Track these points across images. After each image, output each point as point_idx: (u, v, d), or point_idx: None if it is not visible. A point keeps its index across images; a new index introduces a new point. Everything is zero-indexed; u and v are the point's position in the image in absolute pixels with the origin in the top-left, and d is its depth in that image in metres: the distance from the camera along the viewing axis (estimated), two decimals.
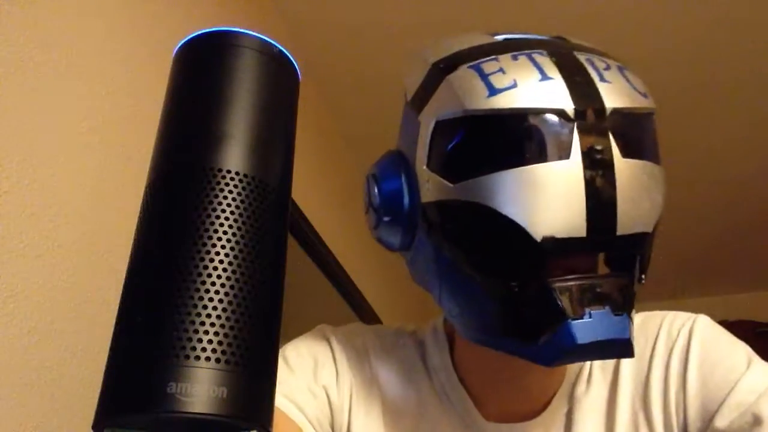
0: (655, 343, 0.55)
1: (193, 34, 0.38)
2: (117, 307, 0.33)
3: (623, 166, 0.44)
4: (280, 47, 0.39)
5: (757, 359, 0.52)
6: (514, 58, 0.47)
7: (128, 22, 1.05)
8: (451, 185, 0.47)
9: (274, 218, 0.35)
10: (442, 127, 0.49)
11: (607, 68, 0.47)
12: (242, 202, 0.33)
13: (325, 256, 1.81)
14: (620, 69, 0.48)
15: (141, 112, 1.03)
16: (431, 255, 0.50)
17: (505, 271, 0.46)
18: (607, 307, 0.43)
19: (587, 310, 0.43)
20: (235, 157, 0.34)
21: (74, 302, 0.84)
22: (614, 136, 0.44)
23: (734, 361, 0.51)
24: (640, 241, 0.45)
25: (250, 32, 0.38)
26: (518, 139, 0.46)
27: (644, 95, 0.47)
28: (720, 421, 0.48)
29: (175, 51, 0.39)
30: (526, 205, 0.44)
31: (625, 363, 0.55)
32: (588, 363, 0.57)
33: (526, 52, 0.47)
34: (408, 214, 0.51)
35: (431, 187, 0.49)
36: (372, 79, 1.86)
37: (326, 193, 1.94)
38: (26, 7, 0.82)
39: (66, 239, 0.83)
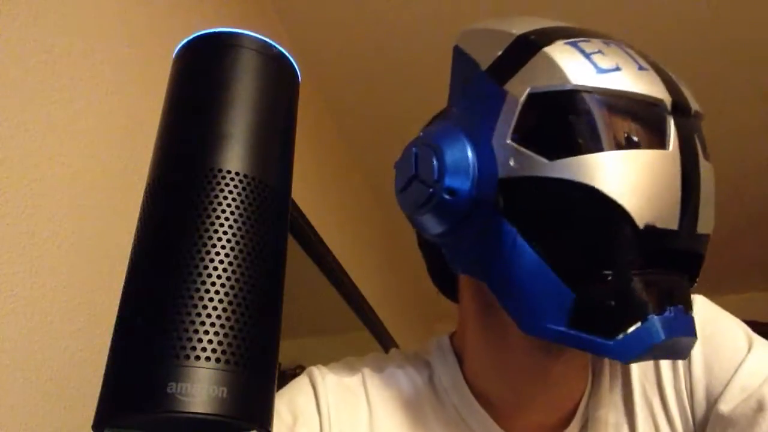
0: None
1: (194, 35, 0.38)
2: (117, 307, 0.33)
3: (704, 167, 0.44)
4: (280, 48, 0.39)
5: (756, 339, 0.51)
6: (606, 43, 0.46)
7: (128, 23, 1.05)
8: (546, 161, 0.44)
9: (274, 218, 0.35)
10: (538, 100, 0.45)
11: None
12: (242, 202, 0.33)
13: (325, 256, 1.81)
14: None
15: (141, 113, 1.03)
16: (500, 236, 0.46)
17: (597, 258, 0.43)
18: (681, 306, 0.43)
19: (669, 307, 0.42)
20: (235, 157, 0.34)
21: (74, 302, 0.84)
22: (698, 137, 0.45)
23: (736, 343, 0.51)
24: (706, 243, 0.46)
25: (250, 33, 0.38)
26: (627, 121, 0.45)
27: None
28: (724, 405, 0.48)
29: (175, 52, 0.39)
30: (634, 188, 0.42)
31: None
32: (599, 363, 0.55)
33: (609, 39, 0.47)
34: (473, 190, 0.47)
35: (518, 162, 0.45)
36: (372, 79, 1.86)
37: (326, 193, 1.94)
38: (26, 7, 0.82)
39: (66, 239, 0.83)
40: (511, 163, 0.45)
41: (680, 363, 0.51)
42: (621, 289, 0.42)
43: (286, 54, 0.40)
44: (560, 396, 0.53)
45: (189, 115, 0.36)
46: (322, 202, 1.87)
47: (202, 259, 0.31)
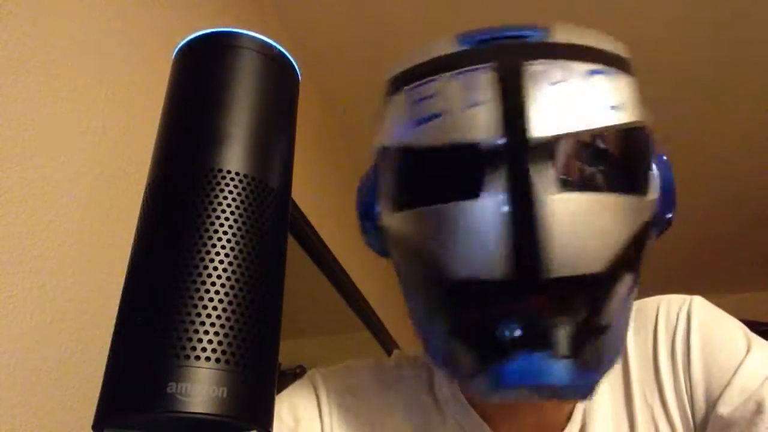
0: (655, 330, 0.54)
1: (193, 35, 0.38)
2: (117, 307, 0.33)
3: (555, 202, 0.39)
4: (280, 48, 0.39)
5: (755, 339, 0.51)
6: (454, 77, 0.43)
7: (127, 23, 1.05)
8: (391, 213, 0.47)
9: (274, 218, 0.35)
10: (381, 154, 0.48)
11: (563, 80, 0.42)
12: (242, 202, 0.33)
13: (325, 256, 1.81)
14: (587, 77, 0.42)
15: (141, 113, 1.03)
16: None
17: (436, 308, 0.45)
18: (545, 351, 0.40)
19: (517, 352, 0.41)
20: (235, 157, 0.34)
21: (74, 302, 0.84)
22: (544, 169, 0.40)
23: (734, 344, 0.50)
24: (585, 284, 0.41)
25: (250, 33, 0.38)
26: (437, 175, 0.45)
27: (616, 107, 0.42)
28: (723, 408, 0.47)
29: (175, 52, 0.39)
30: (445, 244, 0.42)
31: (632, 356, 0.54)
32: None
33: (470, 69, 0.43)
34: (377, 230, 0.50)
35: (381, 210, 0.49)
36: (372, 79, 1.86)
37: (326, 194, 1.94)
38: (27, 8, 0.82)
39: (66, 239, 0.83)
40: (378, 210, 0.49)
41: (680, 365, 0.51)
42: (465, 336, 0.44)
43: (286, 54, 0.40)
44: (548, 405, 0.53)
45: (189, 115, 0.36)
46: (322, 202, 1.87)
47: (202, 259, 0.31)
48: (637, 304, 0.57)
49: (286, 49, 0.40)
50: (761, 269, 2.97)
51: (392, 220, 0.47)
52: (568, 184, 0.41)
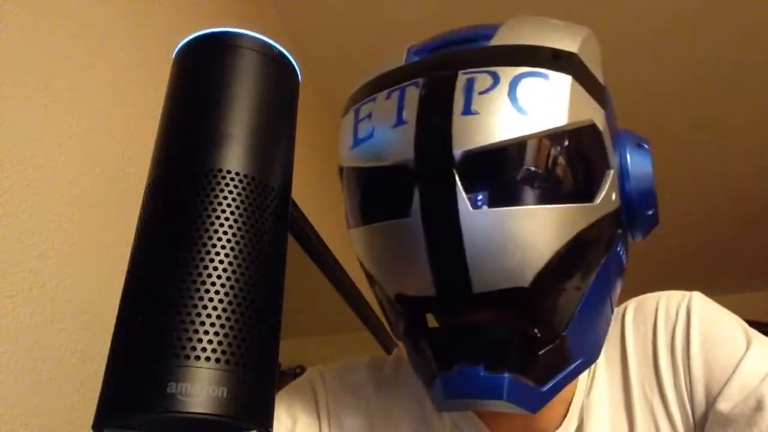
0: (655, 326, 0.53)
1: (193, 35, 0.38)
2: (117, 307, 0.33)
3: (475, 218, 0.39)
4: (280, 48, 0.39)
5: (754, 336, 0.51)
6: (388, 96, 0.44)
7: (127, 23, 1.05)
8: (348, 229, 0.50)
9: (274, 218, 0.35)
10: (339, 173, 0.50)
11: (489, 89, 0.40)
12: (242, 202, 0.33)
13: (325, 256, 1.81)
14: (515, 81, 0.41)
15: (141, 113, 1.03)
16: None
17: (394, 319, 0.47)
18: (481, 365, 0.40)
19: (456, 365, 0.41)
20: (235, 157, 0.34)
21: (74, 302, 0.84)
22: (465, 184, 0.39)
23: (734, 341, 0.50)
24: (511, 298, 0.40)
25: (250, 33, 0.38)
26: (368, 195, 0.47)
27: (543, 112, 0.40)
28: (723, 404, 0.47)
29: (175, 52, 0.39)
30: (377, 262, 0.45)
31: (631, 352, 0.54)
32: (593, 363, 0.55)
33: (403, 85, 0.43)
34: None
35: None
36: None
37: (326, 193, 1.94)
38: (27, 8, 0.82)
39: (66, 239, 0.83)
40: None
41: (680, 361, 0.51)
42: (411, 349, 0.46)
43: (287, 54, 0.40)
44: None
45: (189, 115, 0.36)
46: (322, 202, 1.87)
47: (202, 259, 0.31)
48: (636, 301, 0.57)
49: (286, 49, 0.40)
50: (761, 269, 2.97)
51: (350, 235, 0.49)
52: (485, 199, 0.40)
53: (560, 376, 0.43)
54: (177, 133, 0.36)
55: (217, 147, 0.34)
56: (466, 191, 0.39)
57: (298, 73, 0.41)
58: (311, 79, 1.84)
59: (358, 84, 0.50)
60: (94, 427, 0.30)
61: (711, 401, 0.48)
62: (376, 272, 0.46)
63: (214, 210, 0.32)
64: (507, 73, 0.41)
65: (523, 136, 0.40)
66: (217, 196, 0.33)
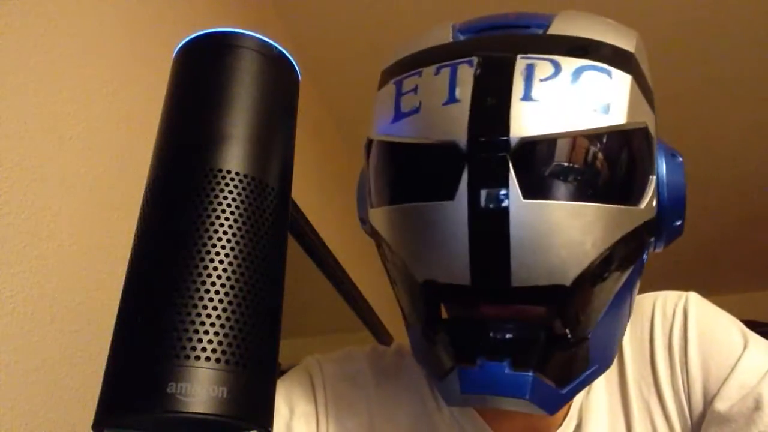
0: (652, 326, 0.53)
1: (194, 35, 0.38)
2: (117, 307, 0.33)
3: (525, 209, 0.37)
4: (280, 48, 0.39)
5: (751, 336, 0.51)
6: (437, 71, 0.41)
7: (127, 23, 1.05)
8: (372, 208, 0.47)
9: (274, 218, 0.35)
10: (367, 147, 0.47)
11: (551, 77, 0.39)
12: (242, 202, 0.33)
13: (325, 256, 1.81)
14: (577, 74, 0.39)
15: (141, 113, 1.03)
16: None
17: (411, 306, 0.45)
18: (506, 361, 0.39)
19: (479, 359, 0.39)
20: (235, 157, 0.34)
21: (74, 302, 0.84)
22: (519, 173, 0.37)
23: (731, 340, 0.50)
24: (549, 295, 0.39)
25: (251, 33, 0.38)
26: (408, 173, 0.44)
27: (604, 109, 0.39)
28: (721, 404, 0.47)
29: (175, 51, 0.39)
30: (409, 244, 0.42)
31: (627, 352, 0.53)
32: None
33: (455, 62, 0.41)
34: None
35: (367, 204, 0.48)
36: (372, 79, 1.86)
37: (326, 193, 1.93)
38: (25, 8, 0.82)
39: (66, 239, 0.83)
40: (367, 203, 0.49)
41: (677, 360, 0.51)
42: (433, 336, 0.43)
43: (287, 54, 0.40)
44: None
45: (189, 115, 0.36)
46: (322, 202, 1.87)
47: (202, 259, 0.31)
48: None
49: (286, 49, 0.40)
50: (761, 269, 2.97)
51: (373, 214, 0.47)
52: (538, 190, 0.38)
53: (579, 379, 0.43)
54: (177, 132, 0.36)
55: (217, 147, 0.34)
56: (519, 180, 0.37)
57: (298, 73, 0.41)
58: (311, 79, 1.84)
59: (395, 57, 0.47)
60: (94, 427, 0.30)
61: (708, 401, 0.48)
62: (405, 254, 0.43)
63: (214, 210, 0.32)
64: (569, 63, 0.40)
65: (584, 130, 0.39)
66: (217, 196, 0.33)
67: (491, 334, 0.41)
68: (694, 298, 0.54)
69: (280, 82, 0.39)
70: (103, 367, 0.31)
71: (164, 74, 0.39)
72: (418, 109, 0.41)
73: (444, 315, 0.46)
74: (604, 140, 0.41)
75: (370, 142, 0.47)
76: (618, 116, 0.39)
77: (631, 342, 0.54)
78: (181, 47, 0.39)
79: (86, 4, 0.95)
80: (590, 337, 0.42)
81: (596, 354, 0.44)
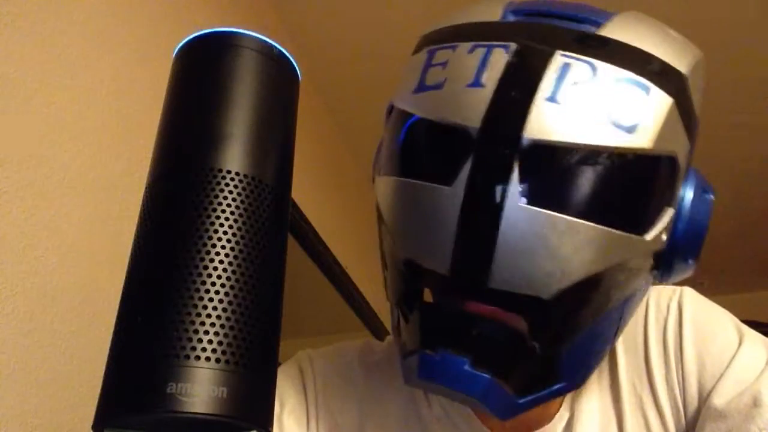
0: (645, 320, 0.53)
1: (194, 35, 0.38)
2: (117, 307, 0.33)
3: (520, 213, 0.36)
4: (280, 48, 0.39)
5: (747, 331, 0.50)
6: (472, 50, 0.39)
7: (127, 23, 1.05)
8: (378, 175, 0.45)
9: (274, 218, 0.35)
10: (387, 112, 0.46)
11: (584, 82, 0.37)
12: (242, 202, 0.33)
13: (325, 256, 1.81)
14: (613, 84, 0.37)
15: (141, 113, 1.03)
16: None
17: (391, 278, 0.44)
18: (467, 357, 0.38)
19: (441, 349, 0.38)
20: (235, 157, 0.34)
21: (74, 302, 0.84)
22: (523, 174, 0.36)
23: (727, 336, 0.49)
24: (525, 305, 0.38)
25: (251, 33, 0.38)
26: (415, 149, 0.43)
27: (629, 128, 0.36)
28: (717, 399, 0.46)
29: (175, 51, 0.39)
30: (401, 220, 0.41)
31: (619, 346, 0.53)
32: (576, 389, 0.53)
33: (492, 44, 0.39)
34: None
35: (375, 169, 0.47)
36: (372, 80, 1.86)
37: (326, 194, 1.94)
38: (25, 8, 0.82)
39: (66, 239, 0.83)
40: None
41: (672, 355, 0.50)
42: (400, 317, 0.43)
43: (287, 54, 0.40)
44: None
45: (189, 115, 0.36)
46: (322, 202, 1.87)
47: (202, 259, 0.31)
48: None
49: (286, 49, 0.40)
50: (761, 269, 2.97)
51: (378, 182, 0.46)
52: (539, 196, 0.36)
53: (540, 393, 0.42)
54: (177, 132, 0.36)
55: (217, 147, 0.34)
56: (520, 182, 0.36)
57: (298, 73, 0.41)
58: (311, 79, 1.84)
59: (440, 24, 0.44)
60: (94, 427, 0.30)
61: (704, 396, 0.48)
62: (395, 229, 0.42)
63: (214, 210, 0.32)
64: (608, 71, 0.37)
65: (598, 146, 0.36)
66: (217, 196, 0.33)
67: (459, 328, 0.40)
68: (688, 293, 0.54)
69: (280, 82, 0.39)
70: (103, 367, 0.31)
71: (164, 74, 0.39)
72: (441, 84, 0.39)
73: (429, 298, 0.45)
74: (621, 161, 0.38)
75: (390, 107, 0.45)
76: (643, 139, 0.37)
77: (623, 335, 0.53)
78: (181, 47, 0.39)
79: (86, 4, 0.95)
80: (563, 354, 0.41)
81: (566, 372, 0.42)
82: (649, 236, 0.40)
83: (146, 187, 0.35)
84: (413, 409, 0.54)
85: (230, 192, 0.33)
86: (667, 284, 0.47)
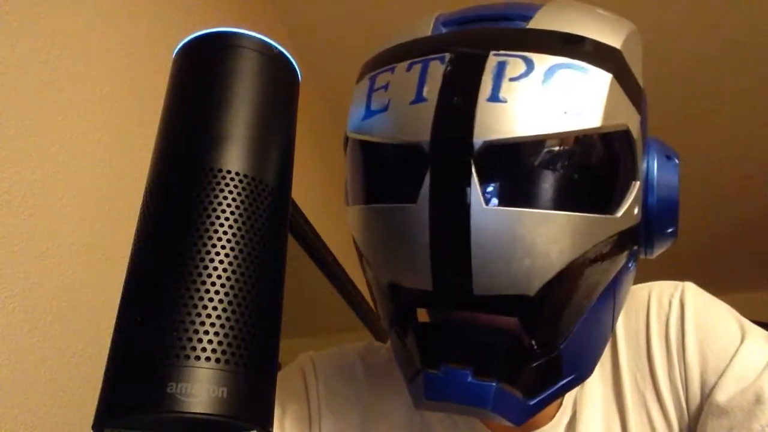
0: (648, 316, 0.52)
1: (194, 35, 0.38)
2: (117, 307, 0.33)
3: (487, 216, 0.36)
4: (280, 48, 0.39)
5: (749, 327, 0.50)
6: (409, 68, 0.40)
7: (128, 23, 1.05)
8: (346, 206, 0.47)
9: (274, 218, 0.35)
10: (344, 143, 0.46)
11: (521, 76, 0.37)
12: (242, 202, 0.33)
13: (325, 256, 1.81)
14: (549, 73, 0.37)
15: (140, 113, 1.03)
16: None
17: (382, 306, 0.44)
18: (469, 369, 0.38)
19: (443, 365, 0.38)
20: (234, 157, 0.34)
21: (74, 302, 0.84)
22: (482, 177, 0.36)
23: (729, 331, 0.49)
24: (513, 305, 0.38)
25: (251, 33, 0.38)
26: (375, 173, 0.43)
27: (575, 111, 0.36)
28: (719, 395, 0.46)
29: (175, 51, 0.39)
30: (376, 246, 0.41)
31: (622, 343, 0.52)
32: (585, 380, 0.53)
33: (427, 58, 0.39)
34: None
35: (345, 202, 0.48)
36: None
37: (326, 193, 1.94)
38: (26, 8, 0.82)
39: (66, 239, 0.83)
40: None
41: (674, 351, 0.50)
42: (396, 341, 0.43)
43: (287, 54, 0.40)
44: None
45: (189, 115, 0.36)
46: (322, 202, 1.87)
47: (202, 259, 0.31)
48: None
49: (286, 49, 0.40)
50: (761, 269, 2.97)
51: (348, 213, 0.46)
52: (502, 196, 0.37)
53: (549, 391, 0.41)
54: (177, 132, 0.36)
55: (217, 147, 0.34)
56: (481, 185, 0.36)
57: (298, 73, 0.41)
58: (311, 79, 1.84)
59: (377, 50, 0.45)
60: (94, 427, 0.30)
61: (706, 392, 0.48)
62: (371, 256, 0.42)
63: (214, 210, 0.32)
64: (543, 61, 0.37)
65: (552, 134, 0.37)
66: (216, 196, 0.33)
67: (457, 341, 0.40)
68: (690, 288, 0.53)
69: (280, 82, 0.39)
70: (103, 368, 0.31)
71: (164, 74, 0.39)
72: (387, 106, 0.40)
73: (425, 317, 0.45)
74: (575, 144, 0.38)
75: (346, 138, 0.46)
76: (591, 119, 0.37)
77: (625, 332, 0.53)
78: (181, 47, 0.39)
79: (86, 4, 0.95)
80: (564, 348, 0.41)
81: (571, 365, 0.42)
82: (620, 213, 0.40)
83: (146, 187, 0.35)
84: (417, 412, 0.54)
85: (230, 192, 0.33)
86: (652, 257, 0.47)
